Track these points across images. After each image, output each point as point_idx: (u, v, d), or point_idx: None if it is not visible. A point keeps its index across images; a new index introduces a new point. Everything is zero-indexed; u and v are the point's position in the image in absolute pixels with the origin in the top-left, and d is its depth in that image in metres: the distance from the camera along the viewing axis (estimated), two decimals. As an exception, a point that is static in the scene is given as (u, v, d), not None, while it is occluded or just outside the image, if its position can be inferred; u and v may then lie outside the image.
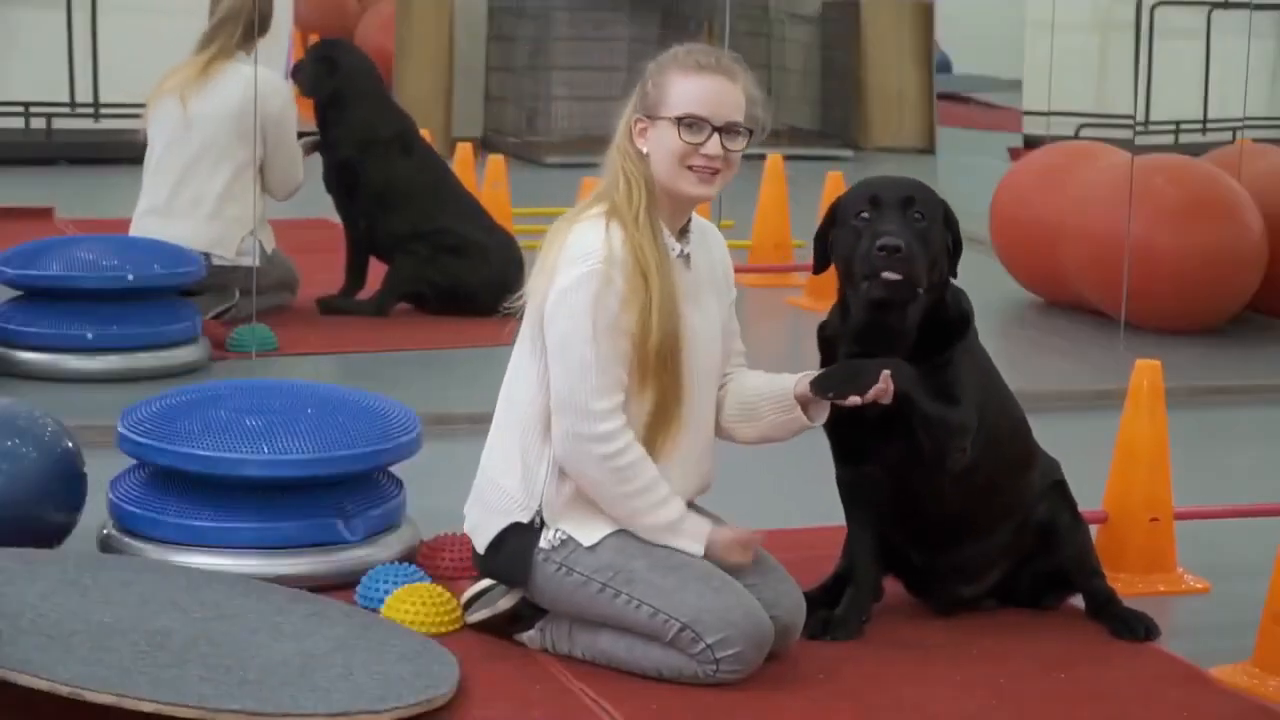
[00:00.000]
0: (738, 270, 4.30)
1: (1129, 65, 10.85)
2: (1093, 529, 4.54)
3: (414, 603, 4.15)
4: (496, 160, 9.21)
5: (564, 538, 3.94)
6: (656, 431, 3.94)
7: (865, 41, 13.74)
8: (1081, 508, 4.43)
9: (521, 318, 4.00)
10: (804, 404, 4.08)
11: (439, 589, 4.21)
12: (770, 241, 8.79)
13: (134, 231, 7.04)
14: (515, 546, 3.97)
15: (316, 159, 7.49)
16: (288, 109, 7.13)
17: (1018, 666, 4.09)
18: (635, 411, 3.92)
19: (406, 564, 4.39)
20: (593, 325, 3.83)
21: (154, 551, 4.33)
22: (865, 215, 4.12)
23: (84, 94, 11.30)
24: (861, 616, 4.23)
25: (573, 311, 3.84)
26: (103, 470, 4.61)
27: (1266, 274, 7.65)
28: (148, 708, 3.41)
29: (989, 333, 4.62)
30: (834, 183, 8.33)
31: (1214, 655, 4.17)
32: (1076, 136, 11.07)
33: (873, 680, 3.98)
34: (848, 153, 13.16)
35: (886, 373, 3.97)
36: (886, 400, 3.98)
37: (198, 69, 7.02)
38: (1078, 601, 4.41)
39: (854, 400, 3.98)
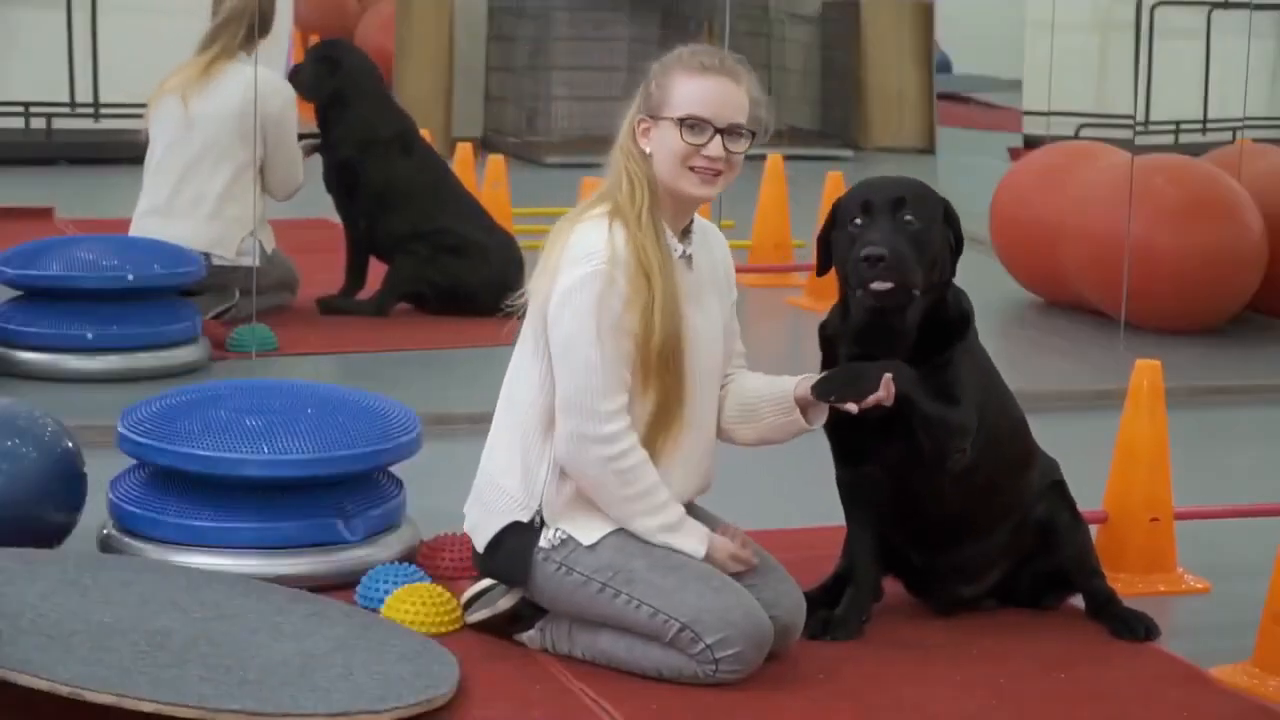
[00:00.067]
0: (738, 270, 4.30)
1: (1129, 65, 10.85)
2: (1093, 529, 4.54)
3: (414, 603, 4.15)
4: (496, 160, 9.20)
5: (564, 537, 3.94)
6: (658, 432, 3.94)
7: (865, 41, 13.73)
8: (1081, 508, 4.43)
9: (522, 318, 4.00)
10: (803, 407, 4.08)
11: (439, 589, 4.21)
12: (770, 241, 8.79)
13: (134, 231, 7.03)
14: (515, 546, 3.97)
15: (316, 159, 7.49)
16: (288, 109, 7.13)
17: (1018, 666, 4.09)
18: (637, 412, 3.91)
19: (406, 564, 4.38)
20: (597, 326, 3.83)
21: (154, 551, 4.33)
22: (858, 221, 4.11)
23: (84, 94, 11.29)
24: (861, 616, 4.23)
25: (577, 312, 3.84)
26: (103, 470, 4.61)
27: (1266, 274, 7.64)
28: (148, 708, 3.40)
29: (989, 333, 4.62)
30: (834, 183, 8.32)
31: (1214, 655, 4.16)
32: (1076, 136, 11.07)
33: (873, 680, 3.98)
34: (848, 153, 13.15)
35: (888, 377, 3.96)
36: (888, 404, 3.98)
37: (199, 69, 7.02)
38: (1078, 601, 4.41)
39: (850, 407, 3.99)
